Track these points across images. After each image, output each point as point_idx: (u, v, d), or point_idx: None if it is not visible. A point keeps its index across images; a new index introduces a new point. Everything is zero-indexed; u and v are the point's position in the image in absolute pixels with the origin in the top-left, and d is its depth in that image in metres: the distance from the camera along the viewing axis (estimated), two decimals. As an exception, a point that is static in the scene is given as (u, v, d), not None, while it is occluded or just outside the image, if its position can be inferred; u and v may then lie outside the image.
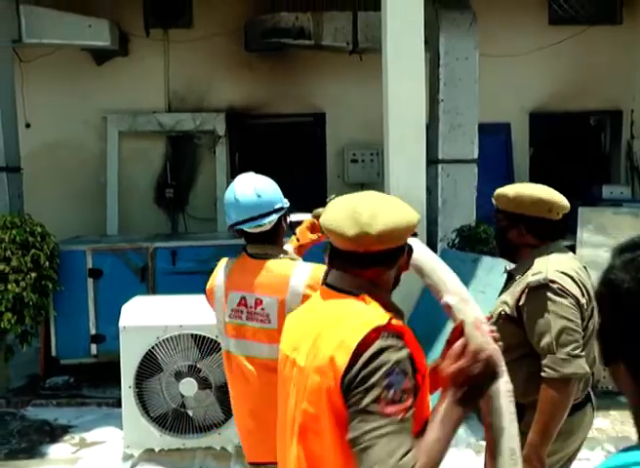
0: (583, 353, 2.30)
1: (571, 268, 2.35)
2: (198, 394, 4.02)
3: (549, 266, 2.32)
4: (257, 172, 2.76)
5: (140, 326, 4.10)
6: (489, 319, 2.19)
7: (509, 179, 7.37)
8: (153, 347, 4.05)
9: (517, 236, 2.46)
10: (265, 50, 6.98)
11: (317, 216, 2.51)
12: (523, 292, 2.33)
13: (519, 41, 7.06)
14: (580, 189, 6.78)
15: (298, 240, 2.76)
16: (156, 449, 4.12)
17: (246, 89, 7.21)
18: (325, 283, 1.61)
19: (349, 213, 1.52)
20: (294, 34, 6.59)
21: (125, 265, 5.49)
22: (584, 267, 2.44)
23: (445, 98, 5.87)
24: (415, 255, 1.68)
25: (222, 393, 4.00)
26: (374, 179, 6.95)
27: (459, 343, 1.45)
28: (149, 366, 4.07)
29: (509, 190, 2.47)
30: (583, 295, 2.33)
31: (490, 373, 1.44)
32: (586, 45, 7.21)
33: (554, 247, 2.42)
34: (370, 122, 6.04)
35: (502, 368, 1.50)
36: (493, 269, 4.49)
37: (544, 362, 2.26)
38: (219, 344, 4.02)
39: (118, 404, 4.65)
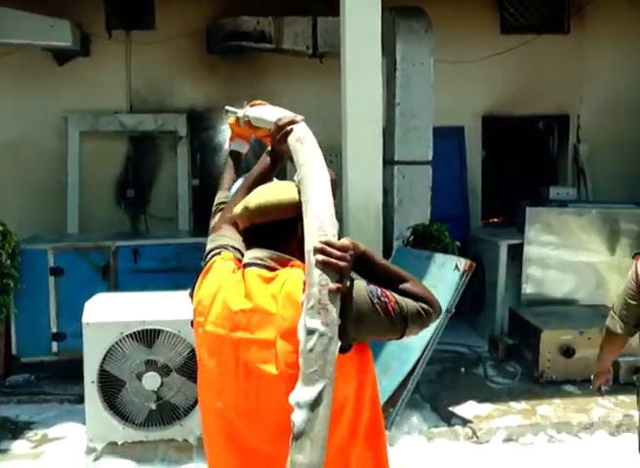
0: (622, 318, 2.87)
1: None
2: (167, 381, 4.13)
3: None
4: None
5: (102, 322, 4.20)
6: None
7: (463, 181, 7.65)
8: (117, 342, 4.16)
9: None
10: (227, 52, 7.10)
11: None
12: None
13: (472, 48, 7.33)
14: (530, 190, 7.08)
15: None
16: (119, 443, 4.22)
17: (207, 90, 7.31)
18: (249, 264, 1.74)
19: (246, 198, 1.81)
20: (255, 38, 6.73)
21: (87, 264, 5.56)
22: None
23: (401, 102, 6.08)
24: (249, 114, 2.24)
25: (185, 373, 4.13)
26: (333, 180, 7.12)
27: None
28: (112, 361, 4.17)
29: None
30: None
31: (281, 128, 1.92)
32: (536, 53, 7.52)
33: None
34: (330, 124, 6.18)
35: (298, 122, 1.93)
36: (444, 265, 4.72)
37: None
38: (180, 338, 4.16)
39: (79, 400, 4.74)
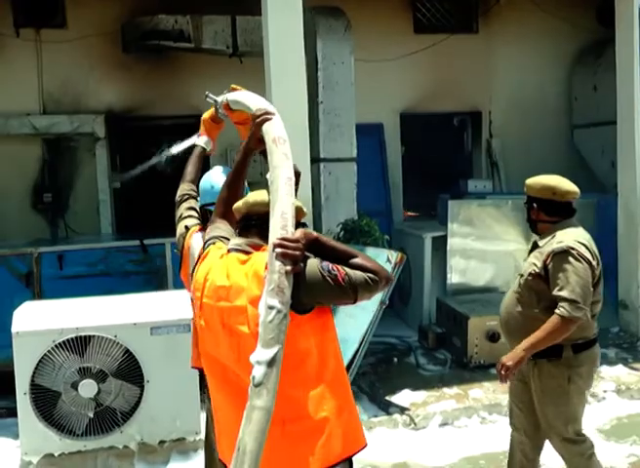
0: (587, 305, 2.99)
1: (585, 239, 3.09)
2: (105, 387, 4.03)
3: (569, 237, 3.05)
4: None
5: (34, 330, 4.05)
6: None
7: (384, 176, 7.85)
8: (49, 351, 4.02)
9: (534, 214, 3.20)
10: (144, 51, 6.96)
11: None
12: (549, 255, 3.03)
13: (389, 47, 7.51)
14: (449, 184, 7.36)
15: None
16: (56, 454, 4.08)
17: (125, 91, 7.15)
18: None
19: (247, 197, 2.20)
20: (173, 37, 6.63)
21: (8, 272, 5.34)
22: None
23: (324, 100, 6.19)
24: (228, 97, 2.53)
25: (122, 376, 4.05)
26: (257, 179, 7.11)
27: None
28: (46, 371, 4.03)
29: (531, 180, 3.22)
30: (594, 259, 3.05)
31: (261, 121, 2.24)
32: (448, 52, 7.81)
33: (569, 223, 3.15)
34: (253, 123, 6.24)
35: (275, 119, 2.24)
36: (377, 258, 4.78)
37: (560, 304, 2.96)
38: (115, 343, 4.06)
39: (8, 414, 4.57)
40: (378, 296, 4.68)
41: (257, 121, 2.25)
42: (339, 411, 2.05)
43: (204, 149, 2.75)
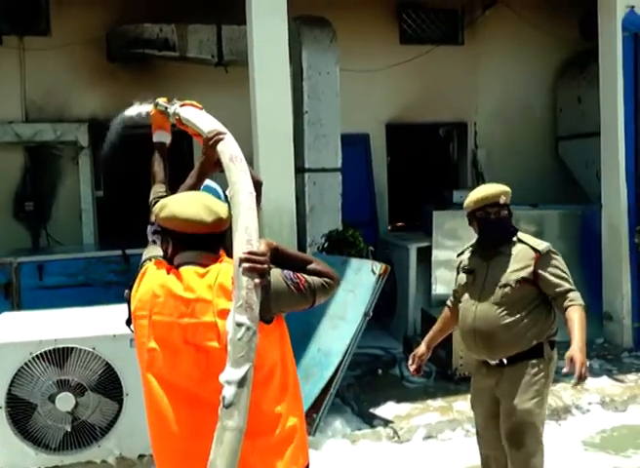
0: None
1: None
2: (83, 401, 3.96)
3: (534, 238, 3.19)
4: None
5: (11, 342, 3.98)
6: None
7: (370, 186, 7.83)
8: (27, 363, 3.95)
9: (510, 222, 3.27)
10: (129, 60, 6.93)
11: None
12: (536, 257, 3.09)
13: (374, 58, 7.52)
14: (434, 194, 7.36)
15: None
16: (32, 469, 4.01)
17: (109, 99, 7.07)
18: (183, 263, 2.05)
19: (202, 206, 2.04)
20: (158, 45, 6.61)
21: (-14, 282, 5.25)
22: None
23: (309, 110, 6.17)
24: (180, 113, 2.44)
25: (100, 391, 3.98)
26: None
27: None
28: (22, 383, 3.95)
29: (505, 187, 3.26)
30: None
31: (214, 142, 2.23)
32: (434, 63, 7.83)
33: None
34: (237, 132, 6.19)
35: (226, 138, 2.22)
36: (360, 270, 4.82)
37: (571, 296, 3.05)
38: (94, 355, 4.00)
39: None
40: (362, 309, 4.65)
41: (210, 143, 2.23)
42: (301, 420, 2.11)
43: (163, 144, 2.67)
